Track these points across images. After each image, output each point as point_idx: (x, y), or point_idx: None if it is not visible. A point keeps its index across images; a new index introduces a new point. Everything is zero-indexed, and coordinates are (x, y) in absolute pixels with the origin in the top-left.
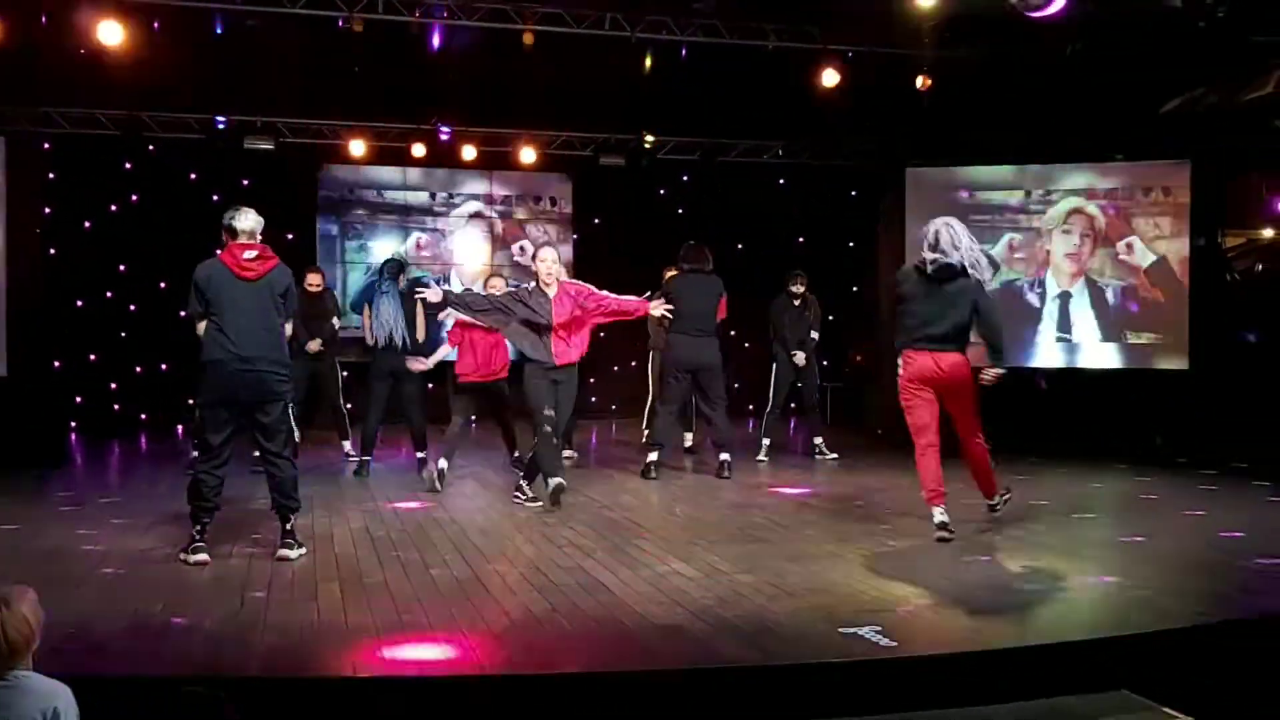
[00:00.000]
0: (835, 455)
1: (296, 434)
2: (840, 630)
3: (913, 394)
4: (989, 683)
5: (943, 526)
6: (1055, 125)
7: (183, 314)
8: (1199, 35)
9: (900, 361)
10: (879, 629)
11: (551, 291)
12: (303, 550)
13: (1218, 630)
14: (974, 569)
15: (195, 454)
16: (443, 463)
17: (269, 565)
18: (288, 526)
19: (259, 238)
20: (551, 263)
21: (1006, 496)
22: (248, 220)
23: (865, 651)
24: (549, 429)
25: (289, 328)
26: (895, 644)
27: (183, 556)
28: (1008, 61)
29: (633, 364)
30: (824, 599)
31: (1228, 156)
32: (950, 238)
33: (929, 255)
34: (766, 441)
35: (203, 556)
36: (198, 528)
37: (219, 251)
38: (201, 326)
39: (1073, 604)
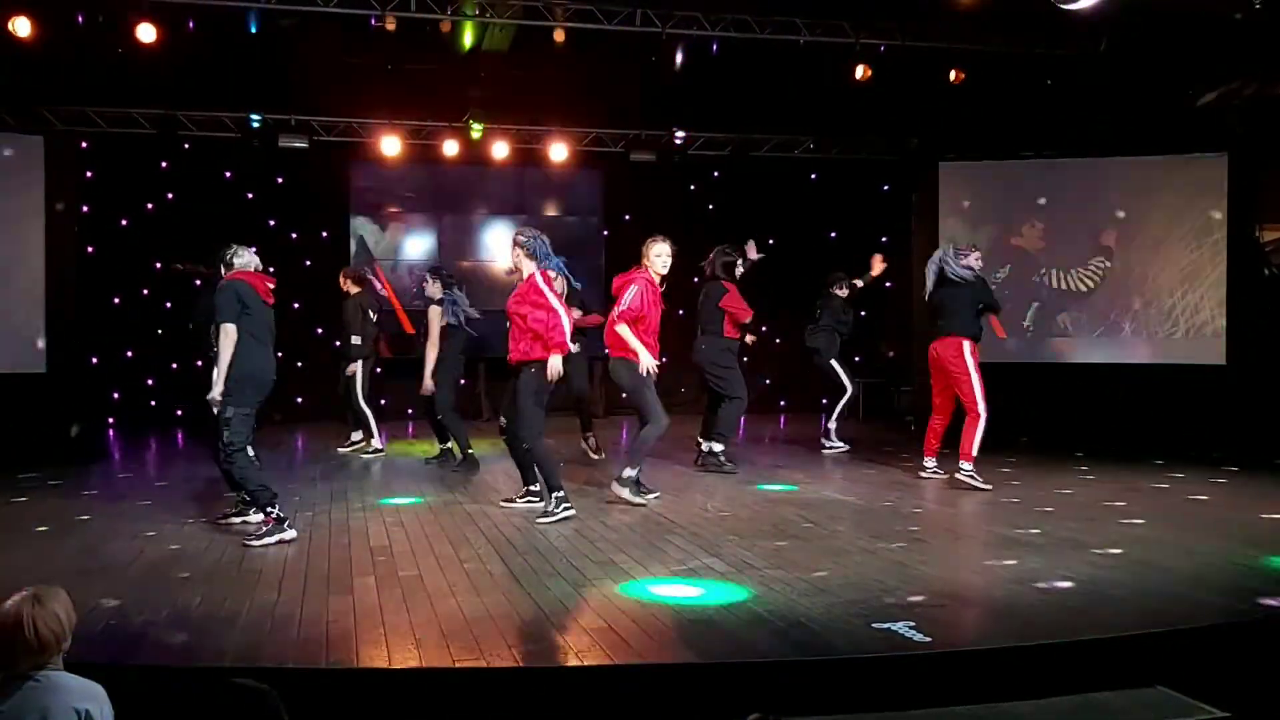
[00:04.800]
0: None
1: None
2: (873, 625)
3: None
4: (1022, 678)
5: None
6: (1089, 119)
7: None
8: (1235, 28)
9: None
10: (912, 624)
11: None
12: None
13: (1253, 626)
14: (1007, 565)
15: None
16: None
17: (305, 558)
18: None
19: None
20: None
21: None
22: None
23: (898, 647)
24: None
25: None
26: (929, 639)
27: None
28: (1041, 55)
29: (663, 359)
30: (856, 594)
31: (1264, 149)
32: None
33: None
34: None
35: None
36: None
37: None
38: (234, 332)
39: (1107, 599)
